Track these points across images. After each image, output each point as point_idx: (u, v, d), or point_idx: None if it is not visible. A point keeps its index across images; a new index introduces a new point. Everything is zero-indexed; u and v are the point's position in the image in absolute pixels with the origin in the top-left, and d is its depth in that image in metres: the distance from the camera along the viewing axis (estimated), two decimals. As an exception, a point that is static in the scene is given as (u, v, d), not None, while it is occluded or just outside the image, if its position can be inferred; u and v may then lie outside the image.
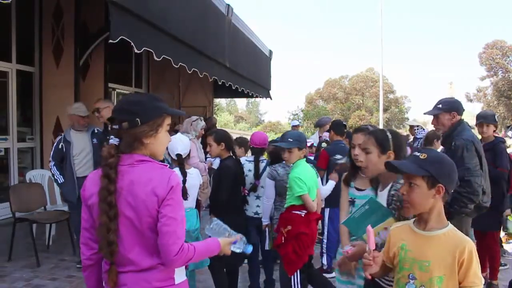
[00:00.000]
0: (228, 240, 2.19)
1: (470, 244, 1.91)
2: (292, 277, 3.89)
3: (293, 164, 3.94)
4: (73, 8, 7.73)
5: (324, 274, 4.82)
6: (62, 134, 5.41)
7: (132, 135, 1.92)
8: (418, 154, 1.99)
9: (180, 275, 2.01)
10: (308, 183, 3.86)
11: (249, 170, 4.61)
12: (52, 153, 5.26)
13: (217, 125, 11.18)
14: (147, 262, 1.90)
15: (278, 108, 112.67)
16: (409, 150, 4.07)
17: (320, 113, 34.39)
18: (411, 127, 8.15)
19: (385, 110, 34.53)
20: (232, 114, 55.39)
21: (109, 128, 1.94)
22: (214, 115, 12.53)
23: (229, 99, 44.74)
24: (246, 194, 4.54)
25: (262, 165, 4.67)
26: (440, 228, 1.96)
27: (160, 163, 1.98)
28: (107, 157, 1.87)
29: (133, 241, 1.88)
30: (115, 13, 4.02)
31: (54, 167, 5.19)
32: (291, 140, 3.90)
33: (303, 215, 3.87)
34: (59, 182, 5.22)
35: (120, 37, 4.08)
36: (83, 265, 2.04)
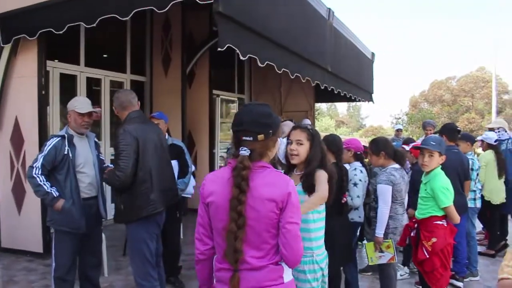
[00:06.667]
0: None
1: None
2: None
3: (430, 171, 3.69)
4: (180, 20, 8.20)
5: (452, 281, 4.61)
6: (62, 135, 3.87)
7: (264, 146, 2.03)
8: None
9: (288, 274, 2.05)
10: (452, 194, 3.62)
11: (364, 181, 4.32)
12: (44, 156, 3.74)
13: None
14: (260, 262, 1.96)
15: (380, 112, 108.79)
16: None
17: (426, 116, 32.94)
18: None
19: (498, 113, 32.10)
20: (333, 119, 54.88)
21: (237, 140, 2.04)
22: (316, 120, 12.46)
23: (329, 103, 44.42)
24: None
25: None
26: None
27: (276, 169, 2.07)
28: (241, 168, 1.93)
29: (251, 243, 1.94)
30: (221, 22, 4.14)
31: (42, 176, 3.73)
32: (434, 143, 3.66)
33: (446, 225, 3.62)
34: (54, 195, 3.70)
35: (227, 45, 4.20)
36: (197, 259, 2.13)
